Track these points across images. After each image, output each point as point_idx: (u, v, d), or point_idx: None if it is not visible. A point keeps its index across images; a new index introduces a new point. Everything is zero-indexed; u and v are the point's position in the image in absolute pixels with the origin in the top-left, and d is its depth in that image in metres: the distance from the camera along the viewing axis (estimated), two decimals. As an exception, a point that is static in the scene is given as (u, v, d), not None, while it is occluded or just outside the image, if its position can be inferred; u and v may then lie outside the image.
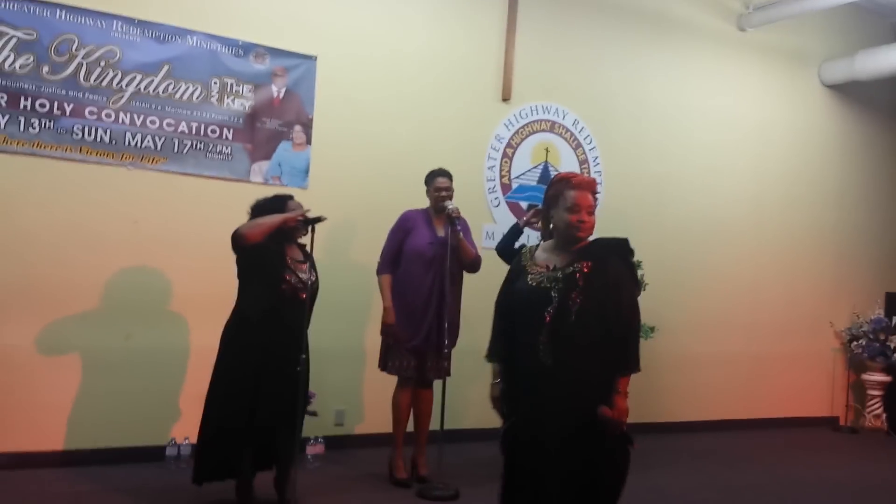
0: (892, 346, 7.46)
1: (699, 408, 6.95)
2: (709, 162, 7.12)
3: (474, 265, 4.71)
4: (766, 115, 7.48)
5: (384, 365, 4.67)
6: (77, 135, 4.63)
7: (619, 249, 2.98)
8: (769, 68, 7.48)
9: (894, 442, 7.26)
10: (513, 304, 2.96)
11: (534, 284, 2.91)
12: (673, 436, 6.54)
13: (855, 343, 7.68)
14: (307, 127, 5.34)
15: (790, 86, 7.63)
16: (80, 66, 4.64)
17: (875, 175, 8.18)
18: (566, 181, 2.96)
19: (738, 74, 7.30)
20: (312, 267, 4.05)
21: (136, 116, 4.79)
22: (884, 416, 7.61)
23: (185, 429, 4.86)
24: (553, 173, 6.38)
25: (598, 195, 3.08)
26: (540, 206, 3.14)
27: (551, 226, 2.98)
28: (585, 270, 2.84)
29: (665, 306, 6.60)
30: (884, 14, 7.98)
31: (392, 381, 4.72)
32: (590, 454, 2.82)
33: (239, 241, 3.84)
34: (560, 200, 2.92)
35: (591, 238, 2.97)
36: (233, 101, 5.09)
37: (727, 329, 7.14)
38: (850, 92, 7.91)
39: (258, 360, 3.84)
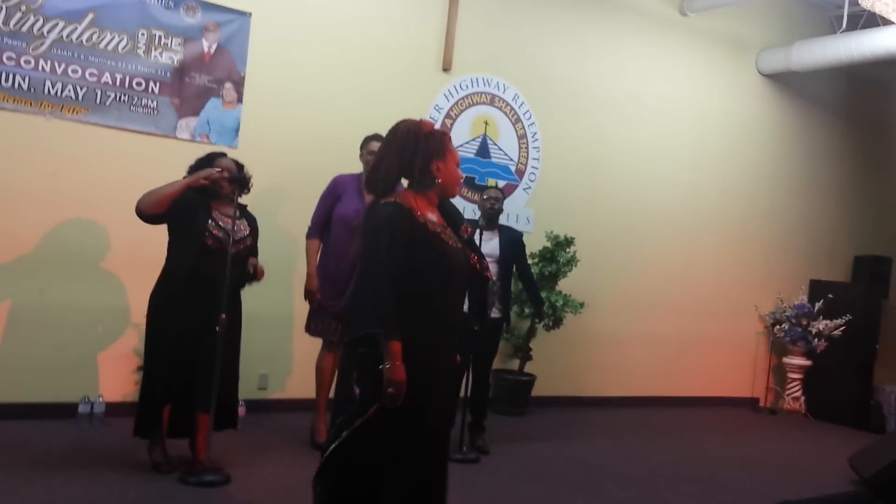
0: (814, 331, 7.68)
1: (625, 384, 7.06)
2: (646, 144, 7.18)
3: None
4: (704, 100, 7.57)
5: (309, 328, 4.62)
6: (-7, 80, 4.43)
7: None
8: (709, 54, 7.56)
9: (812, 423, 7.49)
10: (434, 266, 2.73)
11: (454, 245, 2.86)
12: (598, 410, 6.63)
13: (778, 327, 7.88)
14: (238, 85, 5.21)
15: (729, 73, 7.74)
16: (-1, 8, 4.43)
17: (806, 165, 8.37)
18: (444, 134, 2.87)
19: (679, 59, 7.37)
20: (250, 225, 3.98)
21: (56, 64, 4.60)
22: (802, 398, 7.85)
23: (100, 387, 4.75)
24: (492, 148, 6.38)
25: None
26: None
27: (438, 180, 2.79)
28: (469, 232, 2.95)
29: (596, 284, 6.68)
30: (823, 6, 8.14)
31: (318, 347, 4.67)
32: None
33: (140, 215, 3.78)
34: (447, 154, 2.81)
35: None
36: (161, 53, 4.92)
37: (657, 309, 7.25)
38: (786, 82, 8.07)
39: (183, 317, 3.79)
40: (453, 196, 2.96)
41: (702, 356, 7.57)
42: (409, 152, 2.76)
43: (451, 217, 2.96)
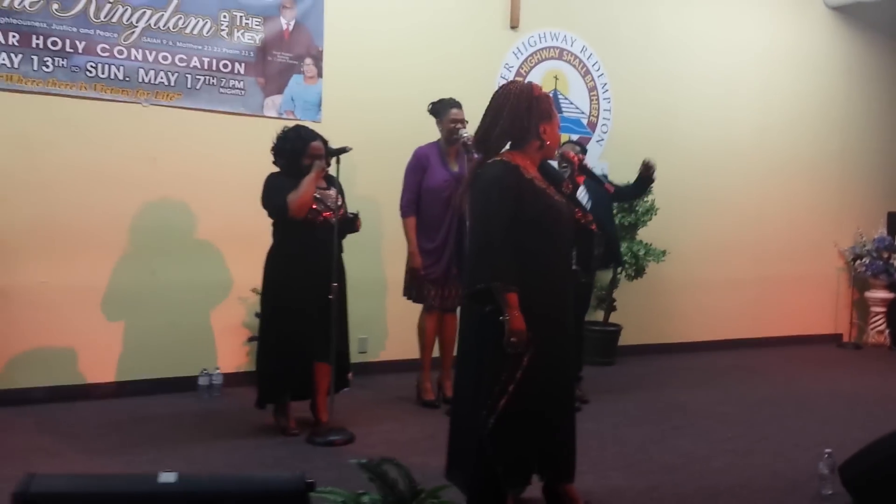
0: (895, 263, 7.59)
1: (709, 328, 7.10)
2: (715, 88, 7.11)
3: None
4: (771, 38, 7.44)
5: (409, 293, 4.75)
6: (90, 72, 4.61)
7: None
8: (773, -9, 7.42)
9: (897, 356, 7.45)
10: (543, 220, 2.89)
11: (559, 200, 2.98)
12: (684, 355, 6.71)
13: (858, 262, 7.82)
14: (318, 60, 5.32)
15: (795, 9, 7.58)
16: (89, 2, 4.58)
17: (878, 98, 8.19)
18: (543, 96, 2.98)
19: (743, -1, 7.24)
20: (340, 193, 4.11)
21: (147, 52, 4.76)
22: (887, 332, 7.79)
23: (216, 359, 4.98)
24: (563, 102, 6.39)
25: None
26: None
27: (547, 142, 2.94)
28: (570, 189, 3.12)
29: (675, 231, 6.69)
30: (889, -70, 7.89)
31: (414, 310, 4.82)
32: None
33: (284, 214, 3.92)
34: (553, 117, 2.98)
35: None
36: (243, 34, 5.05)
37: (735, 252, 7.25)
38: (854, 14, 7.87)
39: (297, 289, 3.97)
40: (552, 157, 3.07)
41: (783, 295, 7.56)
42: (523, 114, 2.90)
43: (551, 176, 3.08)
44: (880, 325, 7.81)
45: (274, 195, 3.95)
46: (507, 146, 2.97)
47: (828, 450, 3.48)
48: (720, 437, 4.37)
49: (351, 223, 4.14)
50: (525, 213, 2.83)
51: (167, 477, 1.99)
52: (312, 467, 3.50)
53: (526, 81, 3.09)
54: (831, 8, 7.80)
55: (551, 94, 6.25)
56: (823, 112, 7.82)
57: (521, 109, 2.90)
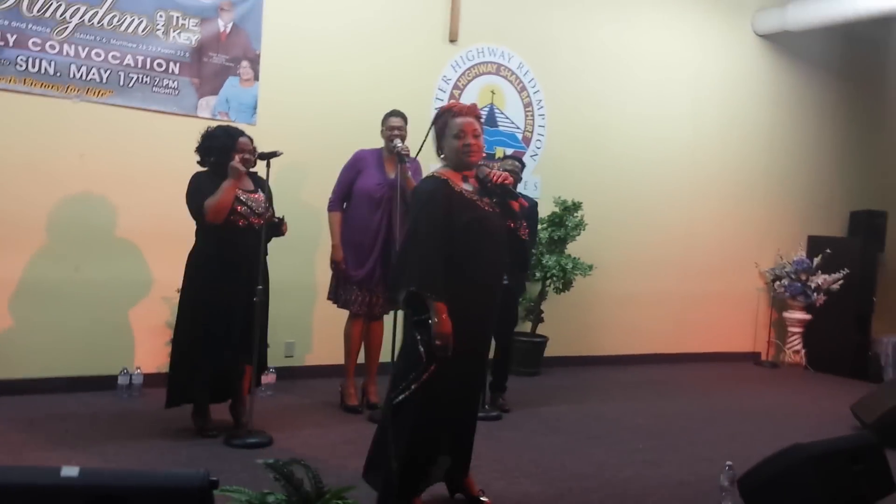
0: (813, 286, 7.92)
1: (633, 342, 7.30)
2: (647, 106, 7.34)
3: None
4: (702, 62, 7.72)
5: (335, 297, 4.81)
6: (21, 66, 4.55)
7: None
8: (706, 16, 7.69)
9: (812, 375, 7.76)
10: (471, 229, 3.05)
11: (490, 210, 3.11)
12: (607, 368, 6.88)
13: (778, 283, 8.12)
14: (254, 63, 5.34)
15: (726, 34, 7.88)
16: (21, -6, 4.54)
17: (802, 123, 8.55)
18: (448, 111, 3.20)
19: (677, 21, 7.50)
20: (268, 196, 4.14)
21: (80, 48, 4.72)
22: (803, 351, 8.11)
23: (137, 359, 4.94)
24: (499, 116, 6.53)
25: (481, 119, 3.27)
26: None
27: (442, 155, 3.21)
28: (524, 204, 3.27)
29: (603, 246, 6.87)
30: (815, -34, 8.25)
31: (341, 314, 4.87)
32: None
33: (202, 220, 3.96)
34: (447, 129, 3.16)
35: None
36: (179, 34, 5.04)
37: (661, 268, 7.47)
38: (781, 42, 8.21)
39: (216, 291, 3.97)
40: (468, 166, 3.17)
41: (705, 313, 7.81)
42: (436, 134, 3.23)
43: (485, 188, 3.21)
44: (797, 345, 8.13)
45: (195, 197, 3.97)
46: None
47: (728, 462, 3.63)
48: (632, 447, 4.52)
49: (276, 227, 4.18)
50: (455, 222, 3.01)
51: (69, 471, 2.01)
52: (227, 468, 3.52)
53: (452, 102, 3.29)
54: (760, 35, 8.12)
55: (487, 109, 6.44)
56: (750, 135, 8.13)
57: (434, 135, 3.22)
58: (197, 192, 3.98)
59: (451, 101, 3.36)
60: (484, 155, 3.29)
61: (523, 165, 5.55)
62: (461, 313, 2.98)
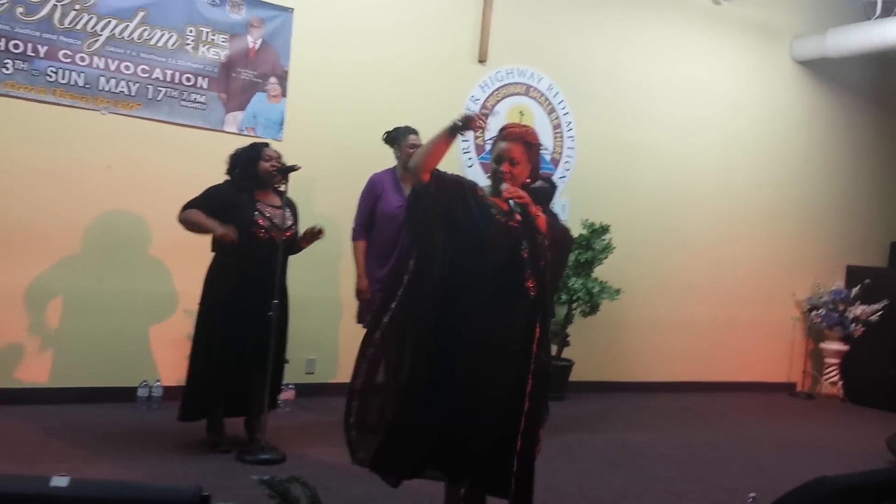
0: (850, 316, 7.68)
1: (661, 369, 7.14)
2: (680, 131, 7.23)
3: None
4: (737, 88, 7.59)
5: (362, 319, 4.75)
6: (51, 77, 4.63)
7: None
8: (742, 42, 7.58)
9: (849, 408, 7.50)
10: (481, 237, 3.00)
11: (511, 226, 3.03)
12: (634, 394, 6.73)
13: (815, 313, 7.89)
14: (282, 79, 5.36)
15: (762, 60, 7.75)
16: (54, 8, 4.62)
17: (840, 151, 8.35)
18: (499, 132, 3.12)
19: (712, 47, 7.40)
20: (293, 212, 4.13)
21: (110, 61, 4.78)
22: (840, 383, 7.85)
23: (158, 371, 4.94)
24: (526, 136, 6.46)
25: (535, 145, 3.12)
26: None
27: (487, 176, 3.17)
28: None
29: (632, 270, 6.75)
30: (855, -8, 8.11)
31: (363, 333, 4.80)
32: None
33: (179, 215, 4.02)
34: (493, 152, 3.11)
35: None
36: (208, 49, 5.09)
37: (692, 294, 7.31)
38: (819, 69, 8.05)
39: (234, 305, 3.95)
40: (497, 193, 3.06)
41: (737, 341, 7.61)
42: None
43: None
44: (834, 376, 7.87)
45: (192, 200, 4.00)
46: None
47: (752, 494, 3.47)
48: (654, 476, 4.38)
49: (293, 244, 4.15)
50: (466, 219, 2.96)
51: (59, 481, 1.97)
52: (236, 485, 3.48)
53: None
54: (798, 62, 7.98)
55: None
56: (785, 162, 7.96)
57: None
58: (195, 199, 4.01)
59: (507, 123, 3.29)
60: (519, 184, 3.05)
61: (553, 186, 5.46)
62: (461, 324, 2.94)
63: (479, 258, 2.99)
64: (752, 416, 6.54)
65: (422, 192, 2.99)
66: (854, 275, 8.10)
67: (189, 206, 4.00)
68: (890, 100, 8.62)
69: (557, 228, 3.20)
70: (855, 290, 7.77)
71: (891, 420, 6.53)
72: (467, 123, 2.99)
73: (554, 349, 6.34)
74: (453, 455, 3.00)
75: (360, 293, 4.69)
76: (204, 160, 4.93)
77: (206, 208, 3.96)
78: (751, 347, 7.72)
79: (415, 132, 4.71)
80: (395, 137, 4.72)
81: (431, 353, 2.98)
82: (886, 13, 7.30)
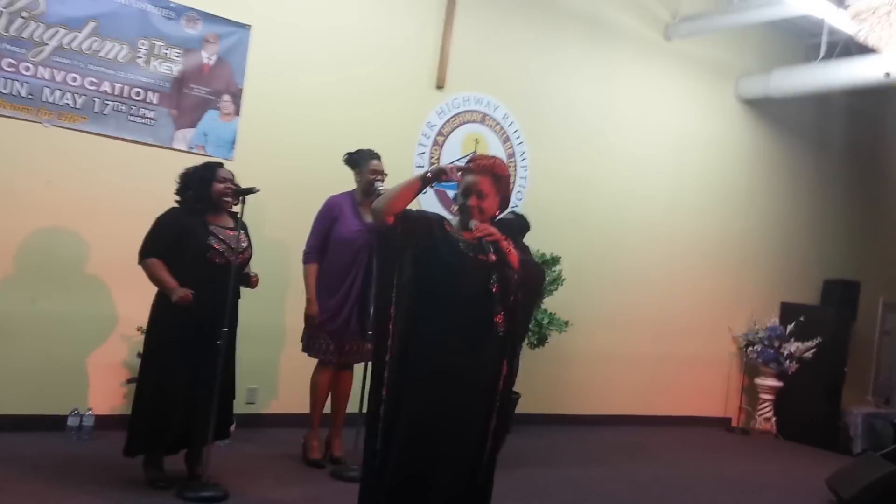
0: (785, 353, 7.85)
1: (606, 402, 7.15)
2: (629, 165, 7.31)
3: None
4: (685, 124, 7.73)
5: (307, 347, 4.60)
6: (-9, 85, 4.37)
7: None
8: (690, 79, 7.74)
9: (782, 444, 7.66)
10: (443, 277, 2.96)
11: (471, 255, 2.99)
12: (580, 428, 6.71)
13: (751, 348, 8.04)
14: (236, 97, 5.21)
15: (709, 97, 7.92)
16: (0, 15, 4.37)
17: (780, 190, 8.59)
18: (467, 165, 3.08)
19: (662, 83, 7.52)
20: (246, 234, 3.98)
21: (56, 72, 4.56)
22: (774, 419, 8.01)
23: (90, 399, 4.69)
24: (480, 165, 6.43)
25: (503, 177, 3.09)
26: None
27: (452, 209, 3.10)
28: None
29: (580, 302, 6.75)
30: (799, 35, 8.37)
31: (309, 362, 4.67)
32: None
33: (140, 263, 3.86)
34: (461, 186, 3.05)
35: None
36: (160, 64, 4.90)
37: (637, 328, 7.37)
38: (763, 108, 8.27)
39: (186, 333, 3.77)
40: (465, 227, 3.02)
41: (678, 375, 7.70)
42: None
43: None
44: (768, 412, 8.03)
45: (148, 245, 3.83)
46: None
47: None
48: (606, 517, 4.35)
49: (246, 277, 4.01)
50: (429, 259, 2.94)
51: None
52: (178, 526, 3.29)
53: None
54: (743, 101, 8.18)
55: (470, 156, 6.35)
56: (729, 199, 8.13)
57: None
58: (152, 239, 3.84)
59: (474, 155, 3.27)
60: (487, 217, 3.04)
61: (524, 218, 5.46)
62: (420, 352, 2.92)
63: (447, 292, 2.94)
64: (693, 452, 6.60)
65: (387, 234, 2.93)
66: (789, 311, 8.30)
67: (148, 251, 3.82)
68: (829, 141, 8.92)
69: (529, 264, 3.17)
70: (790, 327, 7.96)
71: (824, 458, 6.70)
72: (438, 175, 2.93)
73: (501, 381, 6.29)
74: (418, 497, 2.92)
75: (309, 319, 4.54)
76: (151, 178, 4.74)
77: (164, 247, 3.79)
78: (690, 382, 7.82)
79: (377, 157, 4.62)
80: (357, 161, 4.62)
81: (399, 387, 2.91)
82: (829, 56, 7.55)
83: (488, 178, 3.02)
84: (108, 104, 4.72)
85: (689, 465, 6.05)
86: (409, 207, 2.99)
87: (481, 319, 2.95)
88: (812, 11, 6.49)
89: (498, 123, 6.51)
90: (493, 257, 2.94)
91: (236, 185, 3.93)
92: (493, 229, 2.97)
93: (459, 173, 3.00)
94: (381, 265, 3.17)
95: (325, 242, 4.56)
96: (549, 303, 6.34)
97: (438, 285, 2.93)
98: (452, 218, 3.11)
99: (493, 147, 6.48)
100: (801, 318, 7.98)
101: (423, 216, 3.06)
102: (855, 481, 5.00)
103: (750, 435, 7.87)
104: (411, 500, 2.88)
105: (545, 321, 6.19)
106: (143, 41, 4.82)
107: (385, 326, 3.00)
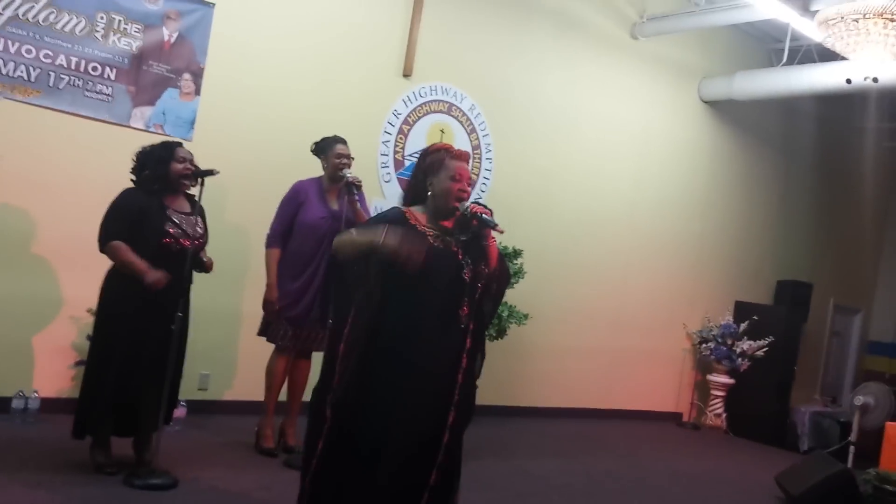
0: (738, 350, 7.99)
1: (562, 395, 7.20)
2: (593, 161, 7.35)
3: None
4: (648, 122, 7.79)
5: (264, 331, 4.52)
6: (-61, 54, 4.21)
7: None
8: (655, 78, 7.79)
9: (732, 440, 7.79)
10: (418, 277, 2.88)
11: (439, 245, 2.95)
12: (536, 420, 6.75)
13: (704, 345, 8.18)
14: (197, 76, 5.09)
15: (672, 97, 7.99)
16: (-51, -21, 4.21)
17: (739, 190, 8.72)
18: (446, 150, 3.06)
19: (627, 81, 7.56)
20: (202, 219, 3.88)
21: (10, 43, 4.40)
22: (724, 415, 8.15)
23: (35, 381, 4.55)
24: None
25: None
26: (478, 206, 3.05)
27: (429, 193, 3.01)
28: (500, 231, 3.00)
29: (540, 296, 6.77)
30: (763, 39, 8.50)
31: (265, 348, 4.59)
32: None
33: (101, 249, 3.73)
34: (441, 169, 3.00)
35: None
36: (119, 39, 4.76)
37: (594, 322, 7.43)
38: (725, 110, 8.38)
39: (137, 318, 3.68)
40: (452, 211, 3.00)
41: (633, 370, 7.79)
42: (417, 171, 3.09)
43: (464, 230, 3.03)
44: (718, 408, 8.16)
45: (108, 226, 3.70)
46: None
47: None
48: (559, 509, 4.37)
49: (201, 262, 3.91)
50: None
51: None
52: (125, 514, 3.21)
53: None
54: (705, 102, 8.27)
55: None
56: (688, 196, 8.22)
57: (417, 168, 3.08)
58: (112, 222, 3.70)
59: (444, 143, 3.31)
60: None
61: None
62: (389, 347, 2.85)
63: (415, 283, 2.89)
64: (646, 446, 6.67)
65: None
66: (742, 310, 8.44)
67: (109, 234, 3.68)
68: (788, 144, 9.08)
69: (503, 260, 3.15)
70: (743, 326, 8.09)
71: (772, 454, 6.83)
72: (396, 257, 2.83)
73: (459, 372, 6.28)
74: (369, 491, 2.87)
75: (267, 304, 4.47)
76: (105, 156, 4.63)
77: (125, 228, 3.66)
78: (644, 377, 7.91)
79: (342, 141, 4.56)
80: (323, 147, 4.56)
81: (363, 374, 2.87)
82: (792, 61, 7.66)
83: (467, 167, 3.07)
84: (63, 78, 4.57)
85: (642, 458, 6.12)
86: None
87: (447, 309, 2.92)
88: (777, 16, 6.57)
89: (464, 114, 6.47)
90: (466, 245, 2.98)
91: (195, 167, 3.83)
92: (487, 209, 3.01)
93: (412, 260, 2.89)
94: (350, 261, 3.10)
95: (289, 227, 4.48)
96: (509, 295, 6.28)
97: (405, 277, 2.87)
98: (420, 208, 3.04)
99: (459, 137, 6.44)
100: (754, 317, 8.12)
101: (374, 230, 2.90)
102: (804, 479, 5.10)
103: (700, 430, 8.00)
104: (355, 487, 2.85)
105: (505, 314, 6.18)
106: (102, 14, 4.67)
107: (345, 317, 2.95)
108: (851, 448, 7.48)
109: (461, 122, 6.46)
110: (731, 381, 8.14)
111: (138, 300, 3.66)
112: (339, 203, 4.49)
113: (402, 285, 2.88)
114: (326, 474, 2.88)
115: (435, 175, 2.98)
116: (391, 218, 2.95)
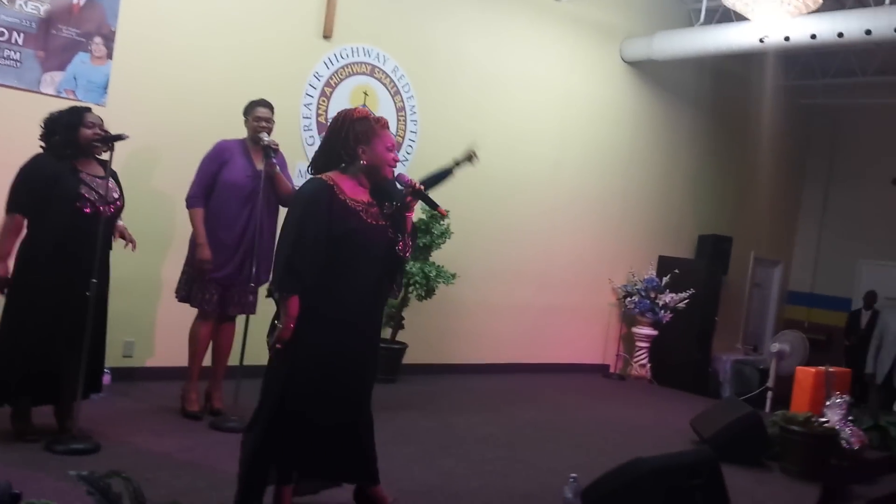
0: (661, 303, 8.29)
1: (492, 352, 7.38)
2: (517, 122, 7.45)
3: (289, 201, 4.64)
4: (571, 83, 7.92)
5: (187, 296, 4.51)
6: None
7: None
8: (577, 40, 7.91)
9: (656, 389, 8.10)
10: (349, 239, 3.02)
11: (373, 222, 3.09)
12: (465, 377, 6.91)
13: (629, 299, 8.45)
14: (109, 39, 4.99)
15: (595, 58, 8.13)
16: None
17: (660, 148, 8.95)
18: (376, 120, 3.15)
19: (550, 42, 7.66)
20: (117, 182, 3.86)
21: None
22: (648, 366, 8.47)
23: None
24: (368, 117, 6.41)
25: None
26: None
27: (363, 162, 3.09)
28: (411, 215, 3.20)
29: (468, 255, 6.90)
30: (682, 0, 8.67)
31: (188, 313, 4.59)
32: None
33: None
34: (374, 138, 3.10)
35: None
36: (26, 2, 4.63)
37: (521, 279, 7.59)
38: (646, 70, 8.56)
39: (52, 283, 3.66)
40: (382, 177, 3.11)
41: (561, 325, 8.01)
42: (341, 137, 3.11)
43: (387, 196, 3.18)
44: (643, 359, 8.47)
45: (16, 195, 3.67)
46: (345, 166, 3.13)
47: (573, 475, 3.68)
48: (482, 458, 4.53)
49: (115, 219, 3.90)
50: (333, 231, 2.99)
51: None
52: (44, 478, 3.23)
53: (356, 107, 3.28)
54: (627, 62, 8.43)
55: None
56: (610, 156, 8.42)
57: (340, 134, 3.11)
58: (21, 190, 3.67)
59: (360, 107, 3.39)
60: None
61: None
62: (329, 313, 3.01)
63: (352, 253, 3.05)
64: (570, 398, 6.90)
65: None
66: (665, 265, 8.74)
67: (17, 204, 3.66)
68: (707, 103, 9.33)
69: (414, 232, 3.35)
70: (665, 280, 8.38)
71: (693, 402, 7.12)
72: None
73: (389, 332, 6.38)
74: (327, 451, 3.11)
75: (202, 263, 4.41)
76: (15, 122, 4.53)
77: (34, 197, 3.64)
78: (572, 331, 8.15)
79: (264, 105, 4.57)
80: (247, 109, 4.58)
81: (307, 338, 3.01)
82: (709, 21, 7.85)
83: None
84: (-35, 42, 4.44)
85: (565, 409, 6.34)
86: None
87: (376, 277, 3.13)
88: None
89: (388, 76, 6.49)
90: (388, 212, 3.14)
91: (105, 131, 3.80)
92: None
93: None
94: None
95: (211, 186, 4.45)
96: (436, 255, 6.44)
97: (343, 249, 3.01)
98: (342, 175, 3.10)
99: (383, 100, 6.46)
100: (676, 271, 8.43)
101: (312, 213, 2.99)
102: (715, 422, 5.36)
103: (626, 381, 8.29)
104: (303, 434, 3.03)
105: (433, 273, 6.29)
106: (5, -24, 4.54)
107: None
108: (769, 393, 7.88)
109: (385, 84, 6.47)
110: (655, 332, 8.44)
111: (55, 267, 3.64)
112: (263, 164, 4.48)
113: (340, 256, 3.01)
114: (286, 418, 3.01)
115: (367, 143, 3.07)
116: (318, 197, 3.00)
